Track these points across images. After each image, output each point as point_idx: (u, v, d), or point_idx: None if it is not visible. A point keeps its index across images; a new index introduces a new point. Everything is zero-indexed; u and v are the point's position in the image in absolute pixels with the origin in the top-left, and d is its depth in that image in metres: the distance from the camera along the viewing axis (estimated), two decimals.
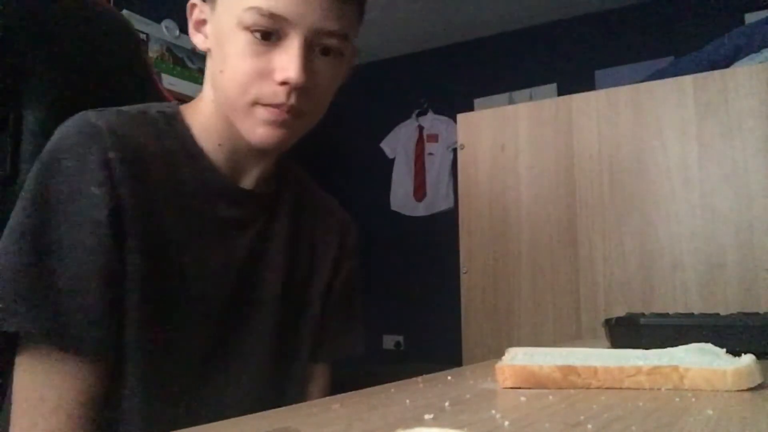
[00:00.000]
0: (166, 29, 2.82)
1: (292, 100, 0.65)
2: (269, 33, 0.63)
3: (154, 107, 0.71)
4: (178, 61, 2.88)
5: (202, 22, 0.71)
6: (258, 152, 0.71)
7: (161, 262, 0.64)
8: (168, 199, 0.66)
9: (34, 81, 0.73)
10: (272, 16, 0.62)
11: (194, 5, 0.71)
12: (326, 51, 0.67)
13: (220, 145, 0.71)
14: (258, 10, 0.62)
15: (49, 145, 0.62)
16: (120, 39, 0.82)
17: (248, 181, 0.74)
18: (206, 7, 0.69)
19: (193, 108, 0.73)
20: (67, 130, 0.63)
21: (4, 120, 0.72)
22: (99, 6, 0.81)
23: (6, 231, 0.59)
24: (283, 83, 0.64)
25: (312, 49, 0.65)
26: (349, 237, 0.88)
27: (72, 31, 0.77)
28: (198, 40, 0.71)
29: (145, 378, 0.63)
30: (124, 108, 0.69)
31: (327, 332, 0.83)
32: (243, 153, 0.72)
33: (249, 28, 0.63)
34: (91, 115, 0.63)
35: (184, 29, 2.88)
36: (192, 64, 2.92)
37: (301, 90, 0.65)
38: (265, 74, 0.64)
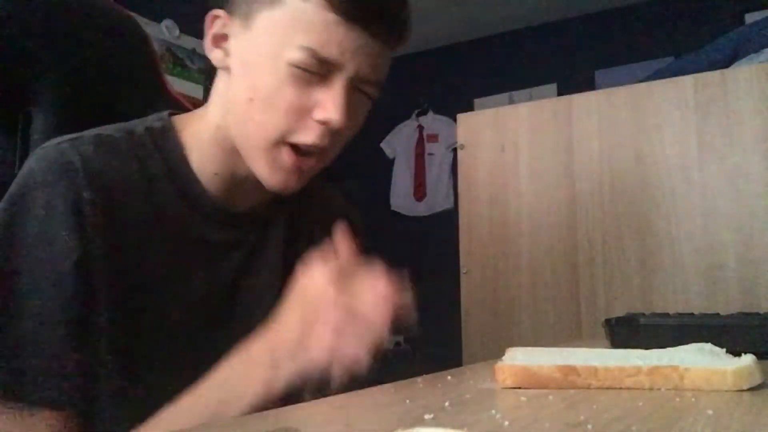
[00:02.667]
0: (166, 29, 2.82)
1: (326, 141, 0.62)
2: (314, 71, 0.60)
3: (143, 123, 0.66)
4: (178, 61, 2.88)
5: (223, 37, 0.64)
6: (260, 186, 0.66)
7: (135, 303, 0.60)
8: (149, 233, 0.62)
9: (43, 83, 0.72)
10: (325, 61, 0.59)
11: (216, 17, 0.64)
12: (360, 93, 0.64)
13: (216, 174, 0.66)
14: (312, 53, 0.58)
15: (19, 177, 0.58)
16: (131, 42, 0.80)
17: (245, 206, 0.70)
18: (233, 23, 0.62)
19: (191, 125, 0.68)
20: (38, 162, 0.58)
21: (14, 121, 0.72)
22: (110, 9, 0.80)
23: None
24: (323, 123, 0.60)
25: (352, 92, 0.62)
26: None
27: (82, 33, 0.76)
28: (216, 55, 0.64)
29: (116, 416, 0.59)
30: (107, 129, 0.64)
31: None
32: (242, 185, 0.67)
33: (295, 65, 0.59)
34: (65, 147, 0.58)
35: (184, 29, 2.87)
36: (192, 64, 2.92)
37: (335, 131, 0.62)
38: (303, 110, 0.61)
